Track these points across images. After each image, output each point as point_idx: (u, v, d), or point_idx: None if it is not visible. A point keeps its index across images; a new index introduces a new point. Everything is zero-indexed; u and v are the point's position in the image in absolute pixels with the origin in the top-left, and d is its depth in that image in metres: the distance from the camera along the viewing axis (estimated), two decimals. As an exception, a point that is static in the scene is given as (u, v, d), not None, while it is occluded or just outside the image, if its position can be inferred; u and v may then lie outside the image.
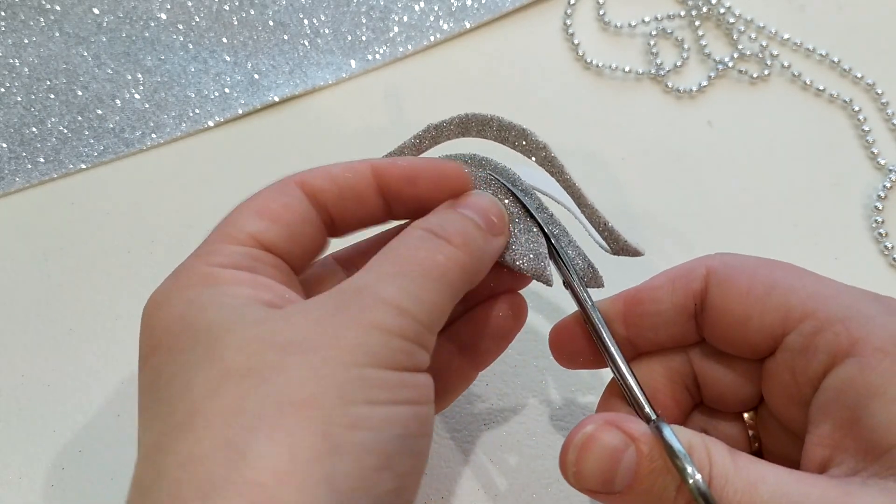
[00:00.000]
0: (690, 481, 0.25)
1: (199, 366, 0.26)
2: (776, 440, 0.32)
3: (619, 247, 0.34)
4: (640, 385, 0.30)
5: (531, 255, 0.33)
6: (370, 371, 0.25)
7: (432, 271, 0.28)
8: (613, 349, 0.31)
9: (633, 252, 0.34)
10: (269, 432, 0.23)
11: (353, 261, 0.35)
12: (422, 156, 0.35)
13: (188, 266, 0.29)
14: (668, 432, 0.26)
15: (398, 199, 0.32)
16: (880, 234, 0.45)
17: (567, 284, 0.33)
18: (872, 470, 0.26)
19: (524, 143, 0.35)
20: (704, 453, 0.26)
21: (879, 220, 0.45)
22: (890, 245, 0.45)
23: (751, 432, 0.33)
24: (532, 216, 0.34)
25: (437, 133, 0.35)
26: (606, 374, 0.33)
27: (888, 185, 0.46)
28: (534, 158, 0.35)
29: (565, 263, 0.33)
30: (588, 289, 0.33)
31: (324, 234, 0.32)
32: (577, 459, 0.28)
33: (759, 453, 0.33)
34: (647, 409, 0.30)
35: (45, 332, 0.42)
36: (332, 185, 0.31)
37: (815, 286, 0.29)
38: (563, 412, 0.40)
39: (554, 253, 0.33)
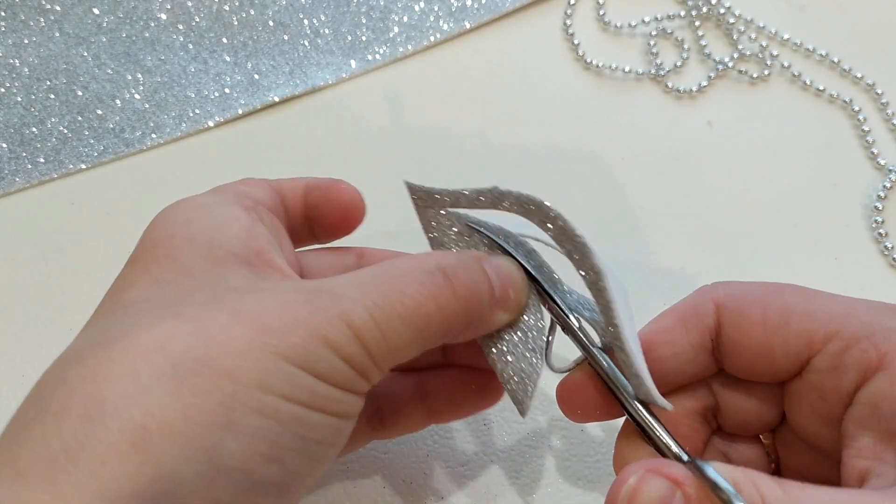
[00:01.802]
0: None
1: (155, 300, 0.26)
2: (797, 458, 0.32)
3: (643, 395, 0.30)
4: (664, 426, 0.30)
5: (515, 379, 0.31)
6: (301, 374, 0.25)
7: (415, 317, 0.27)
8: (631, 400, 0.30)
9: (656, 404, 0.30)
10: (176, 385, 0.24)
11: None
12: (475, 214, 0.33)
13: (198, 195, 0.31)
14: (712, 471, 0.26)
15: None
16: (880, 234, 0.45)
17: (582, 347, 0.31)
18: None
19: (576, 257, 0.30)
20: (752, 487, 0.26)
21: (879, 220, 0.45)
22: (890, 245, 0.45)
23: (768, 452, 0.33)
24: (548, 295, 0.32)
25: (498, 198, 0.32)
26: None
27: (888, 185, 0.46)
28: (582, 273, 0.30)
29: (580, 339, 0.31)
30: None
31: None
32: None
33: (777, 473, 0.32)
34: (676, 448, 0.29)
35: (45, 332, 0.42)
36: (281, 183, 0.34)
37: (829, 306, 0.29)
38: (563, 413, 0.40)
39: (568, 325, 0.31)
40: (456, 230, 0.33)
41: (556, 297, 0.32)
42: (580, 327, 0.31)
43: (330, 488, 0.38)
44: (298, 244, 0.34)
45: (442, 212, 0.33)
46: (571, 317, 0.31)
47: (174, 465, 0.23)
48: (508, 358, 0.31)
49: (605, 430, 0.39)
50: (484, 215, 0.33)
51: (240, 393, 0.24)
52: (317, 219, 0.34)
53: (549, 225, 0.30)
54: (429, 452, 0.39)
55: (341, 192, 0.33)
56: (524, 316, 0.31)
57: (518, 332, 0.31)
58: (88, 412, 0.23)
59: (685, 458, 0.29)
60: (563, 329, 0.32)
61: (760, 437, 0.33)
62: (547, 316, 0.32)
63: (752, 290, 0.30)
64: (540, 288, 0.32)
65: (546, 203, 0.30)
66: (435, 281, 0.28)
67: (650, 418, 0.30)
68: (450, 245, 0.33)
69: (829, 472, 0.30)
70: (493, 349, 0.31)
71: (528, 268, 0.32)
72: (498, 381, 0.32)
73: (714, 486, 0.25)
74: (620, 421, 0.31)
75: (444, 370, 0.35)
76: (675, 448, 0.29)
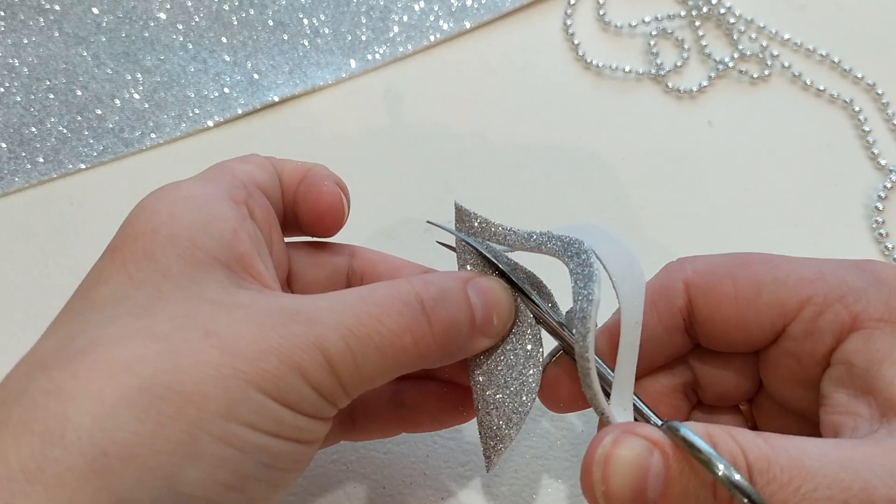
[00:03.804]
0: (721, 470, 0.24)
1: (127, 303, 0.26)
2: (775, 425, 0.32)
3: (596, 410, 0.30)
4: (641, 400, 0.30)
5: (495, 425, 0.31)
6: (269, 402, 0.25)
7: (390, 347, 0.27)
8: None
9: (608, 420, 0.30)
10: (141, 410, 0.23)
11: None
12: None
13: (189, 181, 0.30)
14: (685, 429, 0.25)
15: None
16: (881, 234, 0.45)
17: (560, 341, 0.31)
18: (891, 427, 0.26)
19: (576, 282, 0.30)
20: (731, 441, 0.25)
21: (880, 220, 0.45)
22: (890, 245, 0.45)
23: (748, 420, 0.33)
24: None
25: (538, 244, 0.31)
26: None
27: (888, 185, 0.46)
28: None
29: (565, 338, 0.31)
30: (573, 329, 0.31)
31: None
32: (603, 477, 0.25)
33: None
34: (654, 419, 0.29)
35: (45, 333, 0.42)
36: (282, 167, 0.33)
37: (798, 271, 0.29)
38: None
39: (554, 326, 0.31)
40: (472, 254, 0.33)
41: (541, 307, 0.31)
42: (559, 322, 0.31)
43: (330, 488, 0.38)
44: (294, 233, 0.34)
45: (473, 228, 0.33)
46: (551, 313, 0.31)
47: (133, 491, 0.23)
48: (490, 402, 0.31)
49: (606, 431, 0.39)
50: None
51: (205, 421, 0.24)
52: (298, 215, 0.33)
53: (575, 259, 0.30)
54: (429, 453, 0.38)
55: (321, 194, 0.32)
56: (514, 349, 0.31)
57: (506, 376, 0.31)
58: (49, 431, 0.23)
59: (659, 422, 0.29)
60: (536, 321, 0.31)
61: (739, 406, 0.33)
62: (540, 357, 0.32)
63: (719, 263, 0.30)
64: (526, 298, 0.32)
65: (573, 242, 0.30)
66: (413, 313, 0.28)
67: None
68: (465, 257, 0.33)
69: (808, 435, 0.30)
70: (480, 386, 0.31)
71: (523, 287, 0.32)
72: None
73: (691, 447, 0.24)
74: None
75: (423, 382, 0.34)
76: (654, 419, 0.29)
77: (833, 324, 0.28)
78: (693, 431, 0.25)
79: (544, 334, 0.32)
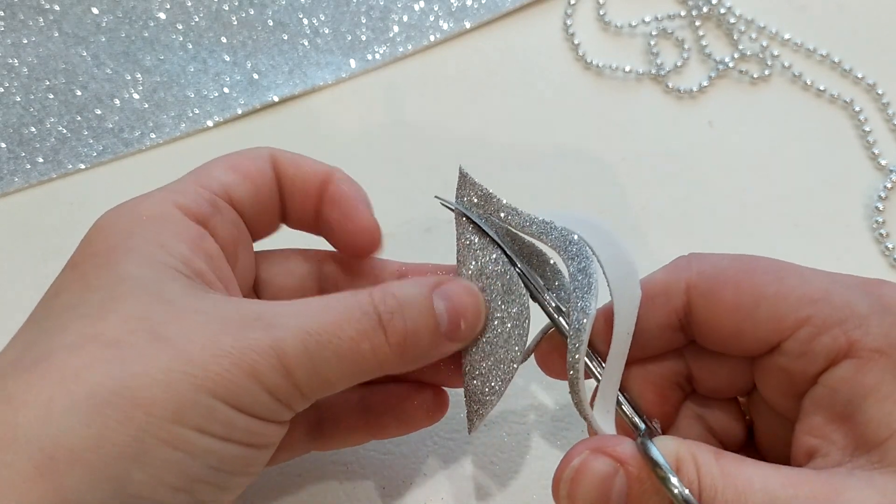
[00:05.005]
0: (675, 491, 0.26)
1: (81, 307, 0.26)
2: (768, 422, 0.32)
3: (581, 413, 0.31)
4: (626, 397, 0.31)
5: (479, 391, 0.32)
6: (220, 406, 0.25)
7: (349, 353, 0.28)
8: (597, 371, 0.31)
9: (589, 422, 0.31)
10: (89, 415, 0.24)
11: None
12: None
13: (152, 197, 0.30)
14: (654, 449, 0.27)
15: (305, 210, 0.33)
16: (881, 234, 0.45)
17: (552, 319, 0.32)
18: (858, 463, 0.27)
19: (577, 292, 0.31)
20: (692, 464, 0.27)
21: (880, 220, 0.45)
22: (891, 245, 0.45)
23: (745, 411, 0.33)
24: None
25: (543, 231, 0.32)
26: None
27: (889, 185, 0.46)
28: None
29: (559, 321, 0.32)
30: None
31: (279, 212, 0.33)
32: (568, 493, 0.27)
33: (751, 431, 0.33)
34: (637, 419, 0.30)
35: (44, 333, 0.42)
36: (296, 171, 0.33)
37: (802, 287, 0.29)
38: (563, 413, 0.40)
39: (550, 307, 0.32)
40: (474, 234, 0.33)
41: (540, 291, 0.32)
42: (556, 306, 0.32)
43: (330, 488, 0.38)
44: (302, 228, 0.34)
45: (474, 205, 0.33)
46: (548, 296, 0.32)
47: (80, 494, 0.24)
48: (476, 367, 0.32)
49: (606, 431, 0.39)
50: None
51: (152, 425, 0.24)
52: (329, 237, 0.34)
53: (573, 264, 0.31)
54: (429, 453, 0.38)
55: (359, 230, 0.33)
56: (502, 326, 0.32)
57: (489, 345, 0.32)
58: (1, 437, 0.24)
59: (642, 427, 0.30)
60: (532, 298, 0.32)
61: (738, 399, 0.33)
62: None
63: (724, 268, 0.30)
64: (526, 280, 0.32)
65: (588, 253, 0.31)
66: (370, 322, 0.28)
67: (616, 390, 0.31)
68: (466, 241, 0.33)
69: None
70: (467, 350, 0.32)
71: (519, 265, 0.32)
72: (442, 398, 0.34)
73: (654, 465, 0.26)
74: None
75: (388, 385, 0.35)
76: (636, 419, 0.30)
77: (828, 347, 0.28)
78: (662, 451, 0.27)
79: (538, 310, 0.32)
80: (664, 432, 0.32)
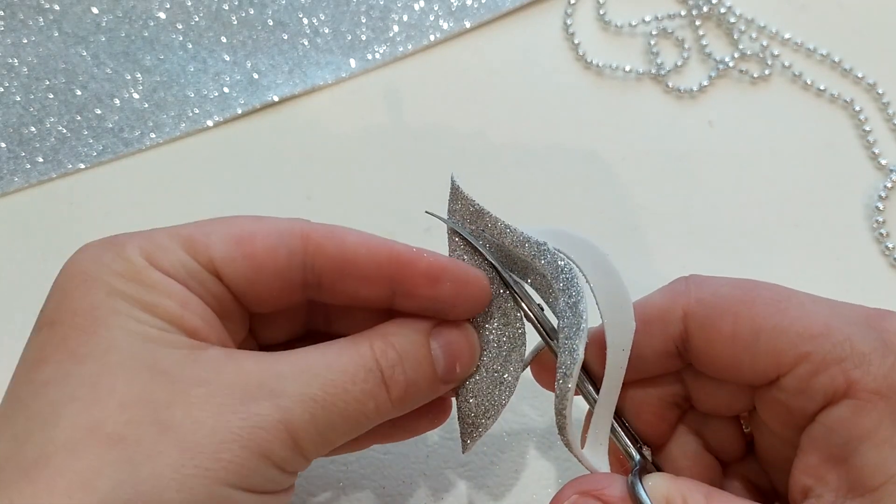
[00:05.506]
0: None
1: (72, 382, 0.25)
2: (769, 438, 0.32)
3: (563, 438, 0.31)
4: (621, 422, 0.31)
5: (473, 413, 0.31)
6: (233, 493, 0.25)
7: (354, 414, 0.28)
8: (593, 397, 0.31)
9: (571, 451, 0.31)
10: None
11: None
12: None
13: (134, 249, 0.27)
14: (643, 493, 0.27)
15: (406, 296, 0.29)
16: (881, 234, 0.45)
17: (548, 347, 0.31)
18: None
19: (564, 328, 0.30)
20: None
21: (880, 220, 0.45)
22: (891, 245, 0.45)
23: (745, 424, 0.33)
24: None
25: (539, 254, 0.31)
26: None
27: (889, 185, 0.46)
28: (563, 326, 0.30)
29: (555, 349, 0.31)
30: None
31: (298, 291, 0.30)
32: None
33: (751, 447, 0.33)
34: (631, 449, 0.31)
35: (44, 333, 0.42)
36: (339, 255, 0.29)
37: (803, 321, 0.28)
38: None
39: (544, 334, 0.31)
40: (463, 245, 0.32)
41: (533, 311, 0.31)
42: (550, 328, 0.31)
43: (330, 488, 0.38)
44: (332, 302, 0.31)
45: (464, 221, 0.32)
46: (544, 315, 0.31)
47: None
48: (469, 391, 0.31)
49: (606, 431, 0.39)
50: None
51: None
52: (410, 308, 0.30)
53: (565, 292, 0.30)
54: (429, 453, 0.38)
55: (475, 297, 0.30)
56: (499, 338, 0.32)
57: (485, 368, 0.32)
58: None
59: (636, 458, 0.30)
60: (526, 318, 0.31)
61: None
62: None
63: (724, 295, 0.29)
64: (519, 297, 0.31)
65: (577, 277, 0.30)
66: (374, 380, 0.28)
67: (610, 418, 0.31)
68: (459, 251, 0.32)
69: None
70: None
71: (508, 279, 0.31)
72: (445, 403, 0.33)
73: None
74: None
75: None
76: (631, 449, 0.31)
77: (827, 386, 0.27)
78: (653, 492, 0.27)
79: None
80: (661, 448, 0.32)
